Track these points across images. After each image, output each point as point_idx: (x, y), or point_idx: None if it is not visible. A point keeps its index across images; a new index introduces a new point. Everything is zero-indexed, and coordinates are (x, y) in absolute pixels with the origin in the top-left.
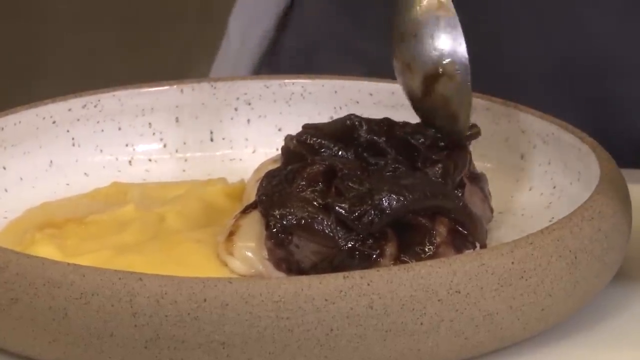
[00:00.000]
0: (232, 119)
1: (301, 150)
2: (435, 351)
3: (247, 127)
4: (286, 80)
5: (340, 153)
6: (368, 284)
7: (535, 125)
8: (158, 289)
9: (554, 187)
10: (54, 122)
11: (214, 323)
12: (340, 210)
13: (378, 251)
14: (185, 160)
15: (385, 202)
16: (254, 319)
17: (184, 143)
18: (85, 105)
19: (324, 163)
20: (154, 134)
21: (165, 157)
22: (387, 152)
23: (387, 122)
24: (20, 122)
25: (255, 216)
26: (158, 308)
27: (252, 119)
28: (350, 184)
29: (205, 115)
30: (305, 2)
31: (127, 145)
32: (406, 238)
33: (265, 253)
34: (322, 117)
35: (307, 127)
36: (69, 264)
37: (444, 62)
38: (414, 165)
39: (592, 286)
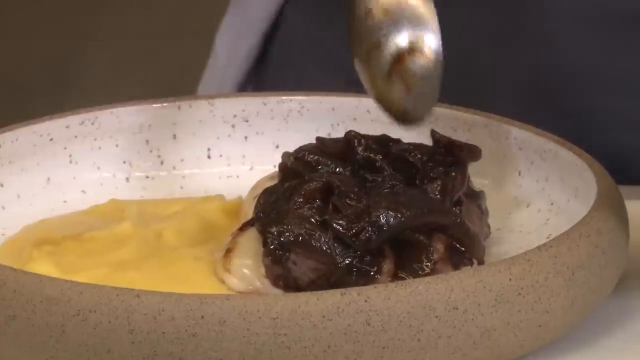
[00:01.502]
0: (229, 136)
1: (298, 167)
2: None
3: (244, 144)
4: (284, 97)
5: (337, 170)
6: (365, 301)
7: (533, 141)
8: (155, 306)
9: (552, 204)
10: (51, 140)
11: (211, 340)
12: (338, 227)
13: (375, 268)
14: (183, 177)
15: (383, 219)
16: (251, 336)
17: (181, 160)
18: (82, 123)
19: (321, 180)
20: (151, 151)
21: (163, 174)
22: (384, 169)
23: (384, 139)
24: (17, 139)
25: (252, 233)
26: (155, 325)
27: (250, 135)
28: (347, 201)
29: (202, 132)
30: (289, 18)
31: (124, 162)
32: (404, 255)
33: (262, 270)
34: (320, 133)
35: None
36: (66, 280)
37: (417, 34)
38: (412, 182)
39: (590, 302)
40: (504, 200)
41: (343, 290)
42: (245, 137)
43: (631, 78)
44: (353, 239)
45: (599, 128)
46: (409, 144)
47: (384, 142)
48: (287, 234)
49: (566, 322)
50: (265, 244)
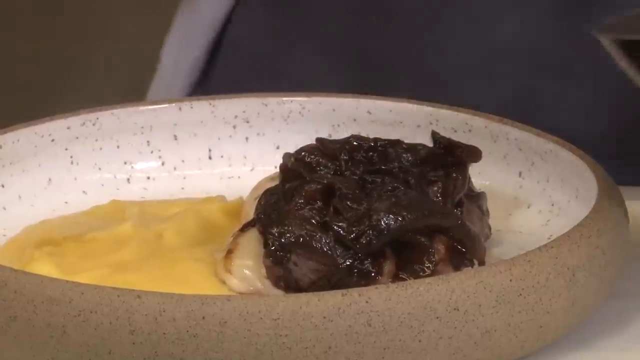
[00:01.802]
0: (230, 136)
1: (298, 168)
2: None
3: (245, 145)
4: (284, 98)
5: (338, 171)
6: (366, 302)
7: (533, 142)
8: (156, 307)
9: (552, 205)
10: (52, 140)
11: (212, 341)
12: (339, 229)
13: (376, 269)
14: (184, 178)
15: (384, 222)
16: (252, 337)
17: (182, 161)
18: (84, 124)
19: (322, 181)
20: (152, 152)
21: (164, 175)
22: (385, 171)
23: (385, 141)
24: (19, 140)
25: (253, 234)
26: (156, 325)
27: (251, 136)
28: (348, 203)
29: (203, 133)
30: (234, 28)
31: (125, 163)
32: (405, 256)
33: (263, 271)
34: (320, 134)
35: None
36: (67, 281)
37: None
38: (412, 184)
39: (591, 303)
40: (504, 201)
41: (344, 291)
42: (247, 138)
43: (574, 63)
44: (354, 241)
45: (544, 112)
46: (409, 144)
47: (384, 144)
48: (288, 235)
49: (567, 323)
50: (266, 244)
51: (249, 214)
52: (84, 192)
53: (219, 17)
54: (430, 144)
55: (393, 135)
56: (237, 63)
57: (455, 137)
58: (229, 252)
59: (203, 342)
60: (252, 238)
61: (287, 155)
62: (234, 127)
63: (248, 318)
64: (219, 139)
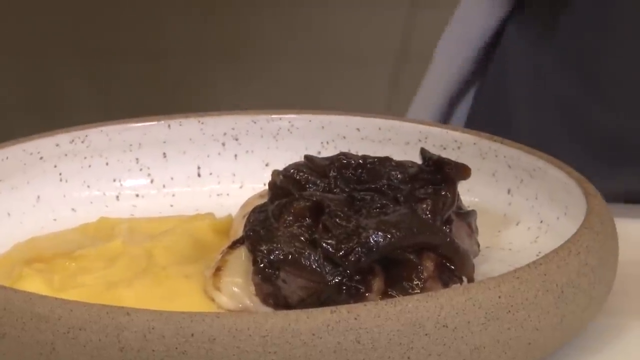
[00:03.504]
0: (219, 154)
1: (287, 185)
2: None
3: (234, 162)
4: (273, 116)
5: (326, 188)
6: (355, 319)
7: (522, 159)
8: (145, 324)
9: (541, 222)
10: (41, 158)
11: (201, 358)
12: (327, 247)
13: (365, 286)
14: (173, 195)
15: (373, 239)
16: (241, 354)
17: (171, 178)
18: (72, 141)
19: (311, 199)
20: (141, 169)
21: (153, 192)
22: (374, 189)
23: (373, 158)
24: (7, 157)
25: (242, 251)
26: (145, 343)
27: (239, 154)
28: (337, 221)
29: (192, 150)
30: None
31: (114, 180)
32: (393, 273)
33: (252, 288)
34: (310, 152)
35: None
36: (55, 298)
37: None
38: (402, 201)
39: (579, 320)
40: (493, 218)
41: (333, 308)
42: (235, 156)
43: None
44: (342, 259)
45: None
46: (398, 162)
47: (373, 161)
48: (276, 252)
49: (556, 340)
50: (255, 262)
51: (238, 231)
52: (72, 209)
53: (492, 25)
54: (419, 161)
55: (382, 153)
56: (504, 73)
57: (444, 154)
58: (218, 269)
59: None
60: (241, 256)
61: (275, 173)
62: (223, 144)
63: (237, 335)
64: (207, 156)
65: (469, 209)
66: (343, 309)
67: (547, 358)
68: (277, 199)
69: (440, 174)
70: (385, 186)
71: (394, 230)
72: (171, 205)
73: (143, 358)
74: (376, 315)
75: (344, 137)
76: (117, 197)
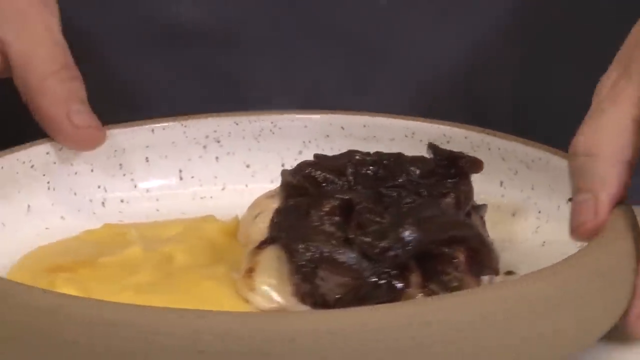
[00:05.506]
0: (200, 157)
1: (304, 184)
2: None
3: (215, 165)
4: (256, 116)
5: (345, 187)
6: (431, 311)
7: (519, 151)
8: (222, 326)
9: (539, 212)
10: (32, 167)
11: (282, 359)
12: (365, 244)
13: (403, 282)
14: (157, 199)
15: (409, 235)
16: (321, 352)
17: (154, 182)
18: (61, 148)
19: (342, 197)
20: (124, 174)
21: (137, 197)
22: (397, 185)
23: (388, 155)
24: (2, 167)
25: (271, 252)
26: (223, 345)
27: (221, 156)
28: (371, 217)
29: (174, 154)
30: None
31: (99, 187)
32: (427, 267)
33: (288, 288)
34: (291, 152)
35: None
36: (127, 304)
37: None
38: (424, 197)
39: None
40: (489, 211)
41: (409, 302)
42: (217, 158)
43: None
44: (380, 255)
45: None
46: (411, 158)
47: (387, 158)
48: (315, 250)
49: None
50: (293, 261)
51: (249, 232)
52: (62, 217)
53: None
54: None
55: (366, 149)
56: None
57: None
58: (250, 270)
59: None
60: (271, 256)
61: (287, 172)
62: (204, 147)
63: (316, 334)
64: (189, 159)
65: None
66: (417, 302)
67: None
68: (292, 198)
69: (455, 168)
70: (407, 182)
71: (429, 225)
72: (157, 210)
73: None
74: (441, 308)
75: (327, 136)
76: (103, 203)
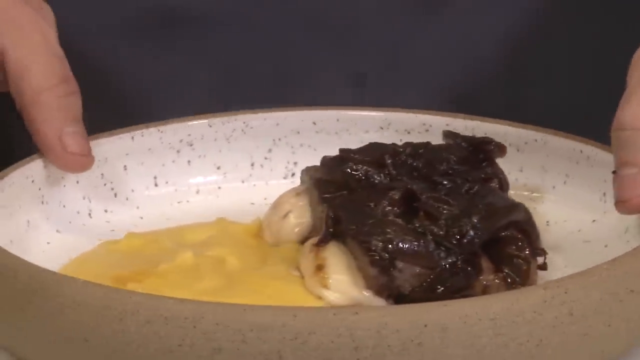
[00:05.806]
0: (173, 161)
1: (343, 179)
2: None
3: (188, 168)
4: (228, 117)
5: (388, 177)
6: (565, 292)
7: (511, 134)
8: (377, 320)
9: (532, 193)
10: (32, 182)
11: (435, 348)
12: (440, 232)
13: (474, 268)
14: (137, 207)
15: (481, 221)
16: (473, 339)
17: (132, 190)
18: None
19: (402, 188)
20: (105, 184)
21: (118, 206)
22: (442, 173)
23: (418, 145)
24: (13, 183)
25: (335, 248)
26: (380, 339)
27: (192, 159)
28: (440, 207)
29: (150, 160)
30: None
31: (84, 198)
32: (494, 252)
33: (361, 282)
34: (261, 150)
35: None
36: (274, 306)
37: None
38: (472, 183)
39: None
40: None
41: (545, 284)
42: (189, 162)
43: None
44: (456, 243)
45: None
46: (442, 146)
47: (419, 147)
48: (391, 242)
49: None
50: (370, 255)
51: (280, 231)
52: (57, 230)
53: None
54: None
55: (340, 144)
56: None
57: (409, 139)
58: (319, 267)
59: (427, 351)
60: (338, 252)
61: (314, 169)
62: (178, 151)
63: (467, 321)
64: (163, 165)
65: None
66: (553, 284)
67: None
68: (327, 194)
69: (482, 153)
70: (450, 170)
71: (495, 210)
72: (141, 218)
73: (379, 355)
74: (583, 287)
75: (298, 132)
76: (90, 214)
